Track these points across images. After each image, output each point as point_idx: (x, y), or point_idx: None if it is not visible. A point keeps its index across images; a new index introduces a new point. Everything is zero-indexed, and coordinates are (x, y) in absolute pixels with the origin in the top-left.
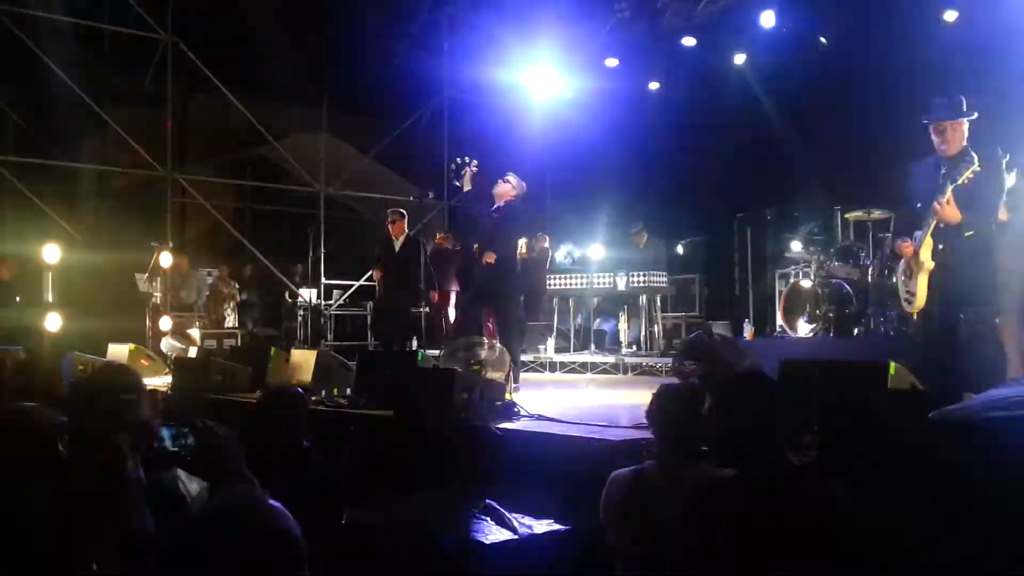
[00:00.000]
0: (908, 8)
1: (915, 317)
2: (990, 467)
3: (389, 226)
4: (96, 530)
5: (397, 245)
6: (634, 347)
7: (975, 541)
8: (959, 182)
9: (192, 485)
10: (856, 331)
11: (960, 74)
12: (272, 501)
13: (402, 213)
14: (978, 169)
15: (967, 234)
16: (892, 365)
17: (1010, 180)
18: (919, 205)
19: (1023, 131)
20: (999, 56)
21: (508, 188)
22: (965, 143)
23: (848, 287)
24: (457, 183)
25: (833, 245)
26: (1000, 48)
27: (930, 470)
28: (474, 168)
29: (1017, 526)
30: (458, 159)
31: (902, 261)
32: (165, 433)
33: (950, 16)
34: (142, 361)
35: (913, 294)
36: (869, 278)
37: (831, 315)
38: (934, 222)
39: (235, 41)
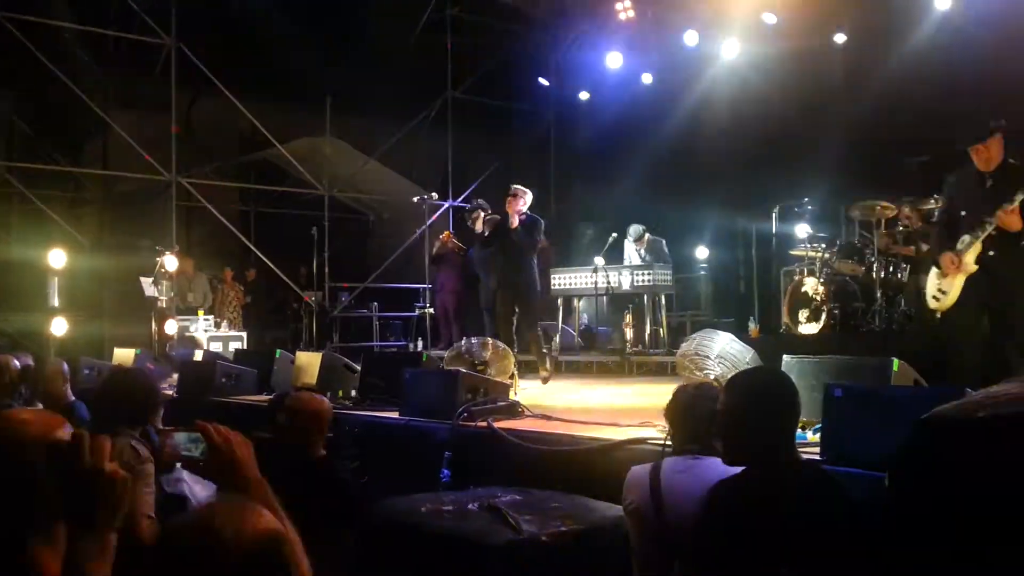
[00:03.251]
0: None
1: (938, 315)
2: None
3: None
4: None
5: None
6: (639, 346)
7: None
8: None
9: (197, 488)
10: (861, 328)
11: (961, 64)
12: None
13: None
14: None
15: (1016, 239)
16: (896, 362)
17: None
18: (963, 213)
19: None
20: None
21: (520, 201)
22: (1003, 149)
23: (853, 284)
24: (469, 223)
25: (837, 242)
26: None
27: (923, 469)
28: (486, 214)
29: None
30: (470, 203)
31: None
32: (181, 438)
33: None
34: (147, 365)
35: (945, 292)
36: (873, 274)
37: (836, 312)
38: (991, 229)
39: (238, 44)
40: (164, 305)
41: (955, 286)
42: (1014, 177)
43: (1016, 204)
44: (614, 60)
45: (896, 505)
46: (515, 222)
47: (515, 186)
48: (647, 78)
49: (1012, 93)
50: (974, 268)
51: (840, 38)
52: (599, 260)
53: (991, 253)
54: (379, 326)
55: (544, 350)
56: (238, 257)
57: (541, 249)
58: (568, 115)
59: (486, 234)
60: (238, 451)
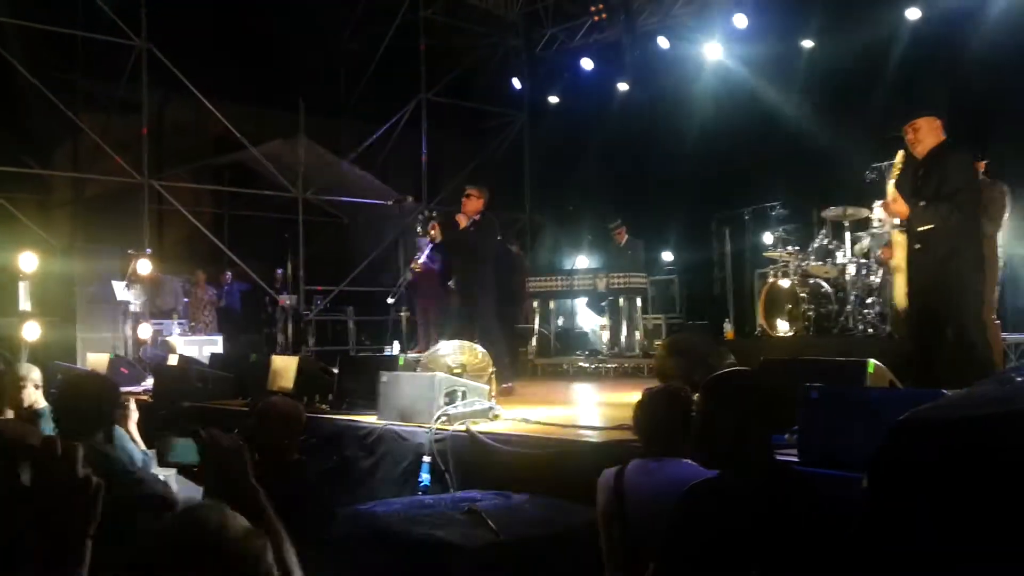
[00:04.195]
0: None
1: (901, 314)
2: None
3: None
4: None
5: None
6: (616, 348)
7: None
8: (893, 175)
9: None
10: (835, 330)
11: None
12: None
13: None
14: (900, 165)
15: (920, 229)
16: (871, 363)
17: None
18: None
19: None
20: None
21: (475, 201)
22: (940, 139)
23: (826, 286)
24: (426, 237)
25: (811, 244)
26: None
27: (901, 470)
28: (438, 219)
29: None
30: (421, 215)
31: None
32: (177, 443)
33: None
34: (121, 370)
35: (897, 293)
36: (847, 276)
37: (810, 314)
38: (890, 221)
39: (210, 46)
40: (137, 309)
41: (899, 285)
42: (941, 164)
43: (890, 198)
44: (587, 62)
45: (874, 506)
46: (463, 223)
47: (468, 187)
48: (620, 83)
49: (981, 98)
50: (902, 265)
51: (808, 43)
52: (580, 261)
53: (917, 247)
54: (355, 329)
55: (505, 359)
56: (213, 260)
57: (515, 255)
58: (542, 117)
59: (438, 240)
60: (233, 457)
